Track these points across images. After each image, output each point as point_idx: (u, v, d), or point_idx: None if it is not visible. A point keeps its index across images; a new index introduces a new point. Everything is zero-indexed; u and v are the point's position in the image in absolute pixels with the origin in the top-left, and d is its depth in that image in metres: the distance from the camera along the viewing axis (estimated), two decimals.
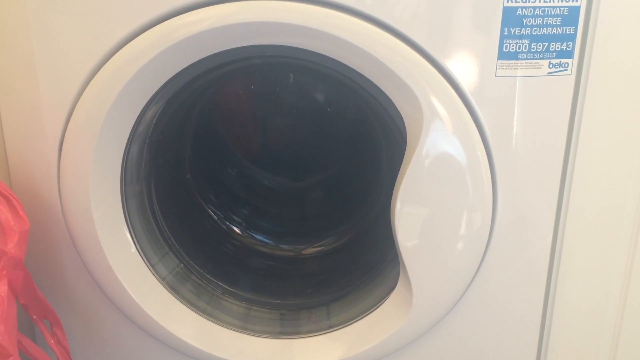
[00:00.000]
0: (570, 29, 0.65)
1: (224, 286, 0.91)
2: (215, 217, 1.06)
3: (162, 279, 0.83)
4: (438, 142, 0.68)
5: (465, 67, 0.66)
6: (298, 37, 0.66)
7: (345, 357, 0.80)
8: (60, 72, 0.70)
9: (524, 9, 0.64)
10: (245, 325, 0.85)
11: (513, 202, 0.73)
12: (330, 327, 0.83)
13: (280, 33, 0.66)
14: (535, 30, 0.64)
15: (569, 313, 0.81)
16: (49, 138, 0.73)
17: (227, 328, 0.83)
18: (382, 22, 0.65)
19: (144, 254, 0.81)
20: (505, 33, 0.64)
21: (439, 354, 0.82)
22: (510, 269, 0.77)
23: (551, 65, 0.66)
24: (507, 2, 0.64)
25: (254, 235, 1.07)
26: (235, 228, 1.07)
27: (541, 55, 0.65)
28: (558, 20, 0.64)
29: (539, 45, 0.65)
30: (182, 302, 0.83)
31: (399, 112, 0.70)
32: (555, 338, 0.82)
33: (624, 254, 0.78)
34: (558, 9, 0.64)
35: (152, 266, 0.82)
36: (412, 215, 0.71)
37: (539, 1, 0.64)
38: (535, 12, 0.64)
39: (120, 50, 0.67)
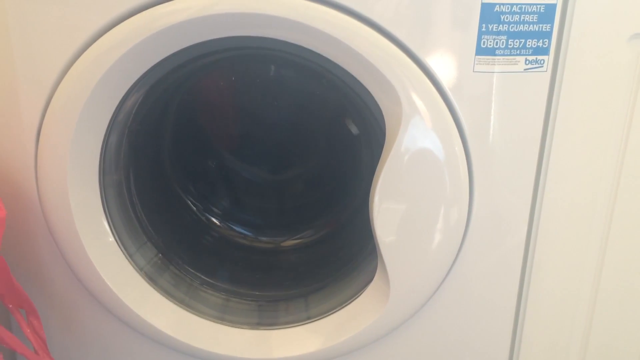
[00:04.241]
0: (546, 26, 0.66)
1: (203, 277, 0.91)
2: (195, 208, 1.05)
3: (140, 269, 0.82)
4: (417, 137, 0.68)
5: (444, 62, 0.67)
6: (280, 29, 0.66)
7: (322, 348, 0.80)
8: (38, 59, 0.69)
9: (501, 6, 0.64)
10: (222, 316, 0.85)
11: (489, 197, 0.74)
12: (308, 318, 0.83)
13: (262, 25, 0.66)
14: (512, 26, 0.65)
15: (542, 305, 0.82)
16: (26, 126, 0.72)
17: (205, 319, 0.83)
18: (364, 16, 0.65)
19: (122, 244, 0.80)
20: (483, 29, 0.65)
21: (416, 345, 0.83)
22: (485, 261, 0.78)
23: (527, 62, 0.67)
24: None
25: (233, 226, 1.07)
26: (214, 219, 1.07)
27: (518, 52, 0.66)
28: (535, 18, 0.65)
29: (516, 42, 0.66)
30: (159, 293, 0.82)
31: (379, 107, 0.70)
32: (528, 329, 0.83)
33: (596, 248, 0.79)
34: (535, 6, 0.65)
35: (130, 256, 0.81)
36: (390, 210, 0.71)
37: None
38: (513, 8, 0.65)
39: (100, 39, 0.67)
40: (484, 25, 0.65)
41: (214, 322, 0.83)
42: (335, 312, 0.82)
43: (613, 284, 0.81)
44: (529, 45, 0.66)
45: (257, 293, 0.92)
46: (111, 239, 0.79)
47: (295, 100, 1.01)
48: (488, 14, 0.65)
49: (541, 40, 0.66)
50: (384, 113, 0.70)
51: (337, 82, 0.77)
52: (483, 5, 0.64)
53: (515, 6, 0.64)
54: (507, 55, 0.66)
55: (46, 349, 0.77)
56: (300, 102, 1.01)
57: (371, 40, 0.65)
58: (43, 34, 0.68)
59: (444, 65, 0.67)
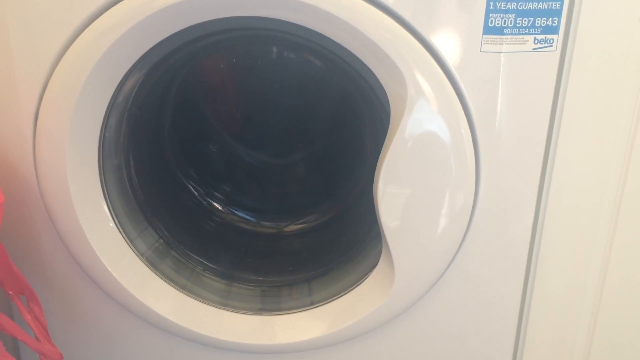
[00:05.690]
0: (556, 4, 0.64)
1: (205, 262, 0.91)
2: (196, 193, 1.05)
3: (141, 255, 0.82)
4: (422, 120, 0.67)
5: (450, 41, 0.65)
6: (282, 8, 0.65)
7: (326, 333, 0.80)
8: (35, 40, 0.68)
9: None
10: (225, 302, 0.85)
11: (495, 182, 0.73)
12: (311, 303, 0.83)
13: (264, 4, 0.65)
14: (521, 4, 0.64)
15: (548, 292, 0.82)
16: (23, 109, 0.71)
17: (208, 304, 0.83)
18: None
19: (123, 229, 0.80)
20: (491, 7, 0.64)
21: (421, 331, 0.83)
22: (491, 247, 0.77)
23: (536, 41, 0.65)
24: None
25: (235, 211, 1.07)
26: (216, 204, 1.06)
27: (526, 31, 0.65)
28: None
29: (525, 21, 0.64)
30: (161, 278, 0.82)
31: (383, 89, 0.69)
32: (534, 317, 0.83)
33: (604, 235, 0.79)
34: None
35: (131, 241, 0.81)
36: (395, 195, 0.71)
37: None
38: None
39: (98, 19, 0.66)
40: (491, 3, 0.64)
41: (216, 307, 0.83)
42: (339, 297, 0.82)
43: (621, 270, 0.81)
44: (537, 24, 0.65)
45: (260, 278, 0.92)
46: (112, 224, 0.79)
47: (298, 83, 1.00)
48: None
49: (550, 19, 0.65)
50: (388, 95, 0.69)
51: (341, 64, 0.76)
52: None
53: None
54: (515, 34, 0.65)
55: (47, 335, 0.77)
56: (303, 85, 1.00)
57: (375, 20, 0.64)
58: (39, 15, 0.67)
59: (451, 45, 0.66)
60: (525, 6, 0.64)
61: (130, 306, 0.80)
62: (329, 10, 0.63)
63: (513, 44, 0.65)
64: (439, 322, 0.82)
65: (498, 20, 0.64)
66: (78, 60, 0.67)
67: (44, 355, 0.74)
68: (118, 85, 0.72)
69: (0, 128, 0.73)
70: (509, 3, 0.64)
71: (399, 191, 0.71)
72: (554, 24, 0.65)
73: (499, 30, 0.65)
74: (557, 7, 0.64)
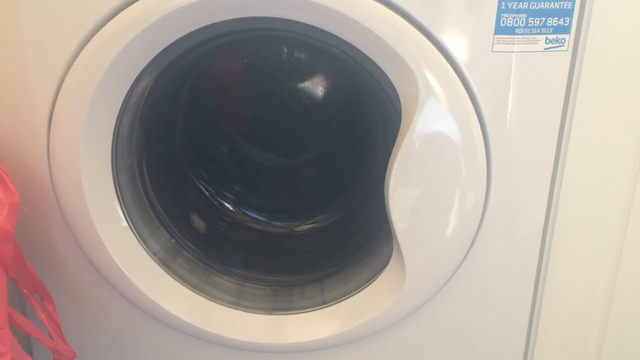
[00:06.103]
0: (567, 3, 0.64)
1: (217, 262, 0.91)
2: (207, 193, 1.05)
3: (154, 254, 0.82)
4: (433, 120, 0.67)
5: (461, 41, 0.65)
6: (293, 9, 0.65)
7: (338, 332, 0.80)
8: (49, 42, 0.68)
9: None
10: (237, 301, 0.85)
11: (506, 182, 0.73)
12: (323, 303, 0.83)
13: (275, 4, 0.65)
14: (532, 4, 0.64)
15: (559, 292, 0.81)
16: (38, 110, 0.72)
17: (220, 304, 0.83)
18: None
19: (135, 229, 0.81)
20: (503, 7, 0.64)
21: (431, 331, 0.83)
22: (502, 247, 0.77)
23: (548, 41, 0.65)
24: None
25: (247, 211, 1.07)
26: (227, 204, 1.07)
27: (538, 31, 0.65)
28: None
29: (536, 20, 0.64)
30: (173, 278, 0.82)
31: (394, 88, 0.69)
32: (545, 317, 0.83)
33: (615, 234, 0.78)
34: None
35: (143, 241, 0.81)
36: (406, 195, 0.71)
37: None
38: None
39: (112, 20, 0.66)
40: (503, 3, 0.64)
41: (228, 307, 0.84)
42: (350, 296, 0.82)
43: (632, 270, 0.80)
44: (549, 23, 0.65)
45: (272, 278, 0.92)
46: (124, 223, 0.79)
47: (308, 83, 1.00)
48: None
49: (562, 19, 0.65)
50: (399, 95, 0.69)
51: (352, 64, 0.76)
52: None
53: None
54: (527, 34, 0.65)
55: (61, 333, 0.78)
56: (313, 85, 1.01)
57: (386, 19, 0.64)
58: (53, 17, 0.67)
59: (462, 45, 0.66)
60: (536, 6, 0.64)
61: (143, 305, 0.80)
62: (339, 9, 0.63)
63: (525, 43, 0.65)
64: (449, 322, 0.82)
65: (510, 20, 0.64)
66: (92, 61, 0.67)
67: (57, 353, 0.75)
68: (131, 86, 0.72)
69: (15, 128, 0.74)
70: (521, 3, 0.64)
71: (410, 191, 0.71)
72: (565, 24, 0.65)
73: (510, 30, 0.65)
74: (569, 7, 0.64)
